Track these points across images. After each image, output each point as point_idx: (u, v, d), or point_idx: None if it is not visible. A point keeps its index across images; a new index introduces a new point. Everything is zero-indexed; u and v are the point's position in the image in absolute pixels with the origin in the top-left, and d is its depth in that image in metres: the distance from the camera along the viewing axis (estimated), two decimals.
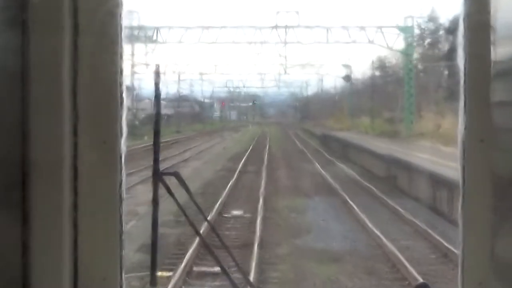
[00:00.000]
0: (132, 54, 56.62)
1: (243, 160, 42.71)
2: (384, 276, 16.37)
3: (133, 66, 58.70)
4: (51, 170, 2.66)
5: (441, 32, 60.45)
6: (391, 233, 20.13)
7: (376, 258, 17.73)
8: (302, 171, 37.12)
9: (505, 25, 2.76)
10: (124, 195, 2.77)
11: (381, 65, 73.22)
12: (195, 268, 16.24)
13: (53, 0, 2.67)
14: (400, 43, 53.12)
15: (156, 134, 3.18)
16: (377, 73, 75.12)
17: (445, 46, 56.98)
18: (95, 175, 2.73)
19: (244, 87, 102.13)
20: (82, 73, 2.72)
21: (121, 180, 2.76)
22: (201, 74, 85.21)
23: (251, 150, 53.27)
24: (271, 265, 17.06)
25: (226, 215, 23.41)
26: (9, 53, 2.63)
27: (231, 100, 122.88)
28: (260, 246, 18.35)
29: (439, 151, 32.43)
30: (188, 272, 15.90)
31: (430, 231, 19.83)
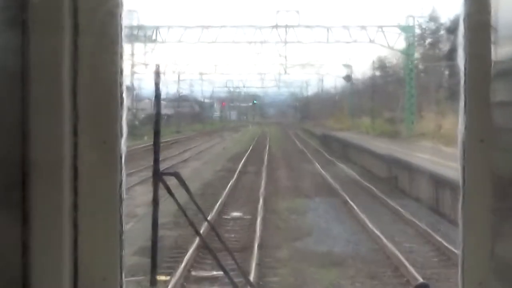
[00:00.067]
0: (132, 54, 56.64)
1: (243, 161, 42.67)
2: (387, 281, 16.10)
3: (132, 66, 58.70)
4: (51, 170, 2.66)
5: (442, 32, 60.51)
6: (394, 235, 19.91)
7: (379, 262, 17.46)
8: (302, 172, 37.02)
9: (505, 25, 2.76)
10: (124, 195, 2.77)
11: (382, 65, 73.28)
12: (193, 273, 16.04)
13: (53, 0, 2.67)
14: (401, 43, 53.16)
15: (156, 134, 3.18)
16: (378, 73, 75.20)
17: (445, 46, 57.01)
18: (95, 175, 2.73)
19: (244, 87, 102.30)
20: (82, 73, 2.72)
21: (121, 180, 2.76)
22: (201, 74, 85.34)
23: (251, 150, 53.25)
24: (271, 269, 16.79)
25: (225, 217, 23.19)
26: (9, 53, 2.63)
27: (231, 100, 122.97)
28: (260, 249, 18.09)
29: (440, 152, 32.32)
30: (186, 277, 15.69)
31: (432, 233, 19.61)
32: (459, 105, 2.89)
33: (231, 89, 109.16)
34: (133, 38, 51.02)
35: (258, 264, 16.69)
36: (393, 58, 66.68)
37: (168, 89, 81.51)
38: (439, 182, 24.71)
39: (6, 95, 2.63)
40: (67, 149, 2.69)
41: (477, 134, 2.84)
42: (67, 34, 2.69)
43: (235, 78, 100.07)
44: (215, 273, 15.53)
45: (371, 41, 52.36)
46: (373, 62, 75.60)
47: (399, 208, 23.99)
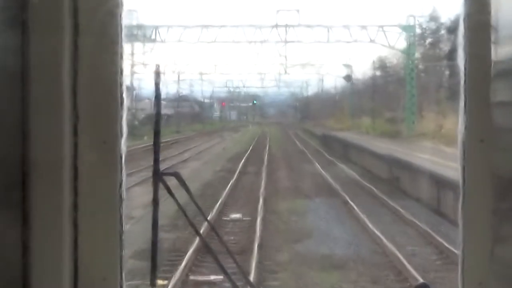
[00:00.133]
0: (132, 54, 56.60)
1: (242, 161, 42.59)
2: (390, 285, 15.91)
3: (132, 65, 58.67)
4: (51, 170, 2.67)
5: (443, 32, 60.52)
6: (396, 238, 19.69)
7: (381, 265, 17.22)
8: (302, 172, 36.92)
9: (505, 25, 2.76)
10: (124, 195, 2.77)
11: (382, 65, 73.26)
12: (191, 277, 15.81)
13: (53, 0, 2.67)
14: (401, 43, 53.12)
15: (156, 134, 3.18)
16: (378, 73, 75.18)
17: (446, 46, 57.04)
18: (95, 175, 2.73)
19: (244, 87, 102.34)
20: (82, 73, 2.72)
21: (121, 180, 2.76)
22: (200, 74, 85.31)
23: (251, 150, 53.19)
24: (271, 273, 16.54)
25: (225, 218, 22.93)
26: (9, 53, 2.63)
27: (231, 100, 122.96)
28: (260, 252, 17.83)
29: (441, 152, 32.11)
30: (183, 281, 15.45)
31: (435, 235, 19.38)
32: (459, 105, 2.90)
33: (231, 89, 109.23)
34: (132, 38, 50.98)
35: (258, 268, 16.43)
36: (394, 58, 66.72)
37: (168, 89, 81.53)
38: (441, 183, 24.52)
39: (6, 95, 2.63)
40: (67, 149, 2.69)
41: (477, 134, 2.84)
42: (67, 34, 2.69)
43: (235, 78, 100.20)
44: (213, 277, 15.29)
45: (371, 40, 52.33)
46: (374, 62, 75.61)
47: (401, 209, 23.81)
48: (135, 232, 16.49)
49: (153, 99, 3.13)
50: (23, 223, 2.64)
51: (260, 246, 18.37)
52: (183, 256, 16.73)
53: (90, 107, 2.73)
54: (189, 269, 16.14)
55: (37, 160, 2.64)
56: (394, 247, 18.07)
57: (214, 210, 22.87)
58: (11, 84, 2.63)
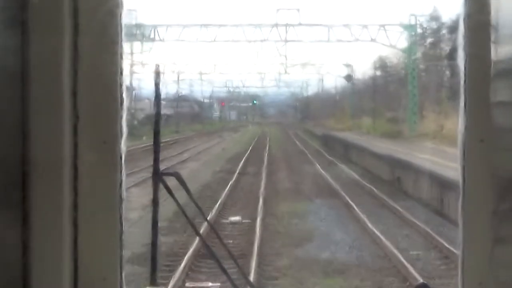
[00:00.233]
0: (131, 53, 56.55)
1: (242, 161, 42.51)
2: None
3: (131, 65, 58.64)
4: (51, 170, 2.67)
5: (443, 31, 60.54)
6: (399, 241, 19.36)
7: (384, 270, 16.86)
8: (302, 173, 36.71)
9: (505, 25, 2.76)
10: (124, 195, 2.78)
11: (382, 64, 73.27)
12: (187, 284, 15.46)
13: (53, 0, 2.67)
14: (402, 42, 53.05)
15: (156, 134, 3.18)
16: (379, 72, 75.18)
17: (447, 46, 57.04)
18: (95, 175, 2.73)
19: (243, 87, 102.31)
20: (82, 73, 2.72)
21: (121, 180, 2.76)
22: (200, 74, 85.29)
23: (250, 150, 53.13)
24: (270, 279, 16.20)
25: (223, 221, 22.54)
26: (9, 53, 2.64)
27: (230, 100, 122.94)
28: (259, 256, 17.41)
29: (443, 152, 31.81)
30: None
31: (439, 238, 19.05)
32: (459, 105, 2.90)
33: (231, 89, 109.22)
34: (132, 37, 50.92)
35: (257, 273, 16.05)
36: (394, 58, 66.73)
37: (168, 89, 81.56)
38: (443, 184, 24.22)
39: (6, 95, 2.63)
40: (67, 149, 2.69)
41: (477, 134, 2.84)
42: (67, 34, 2.69)
43: (235, 78, 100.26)
44: (210, 284, 14.99)
45: (372, 40, 52.24)
46: (374, 61, 75.58)
47: (403, 211, 23.51)
48: (130, 236, 16.30)
49: (153, 99, 3.14)
50: (23, 223, 2.64)
51: (259, 251, 17.97)
52: (180, 261, 16.36)
53: (90, 107, 2.73)
54: (186, 275, 15.79)
55: (37, 160, 2.65)
56: (397, 251, 17.72)
57: (213, 212, 22.47)
58: (11, 84, 2.63)
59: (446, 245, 18.32)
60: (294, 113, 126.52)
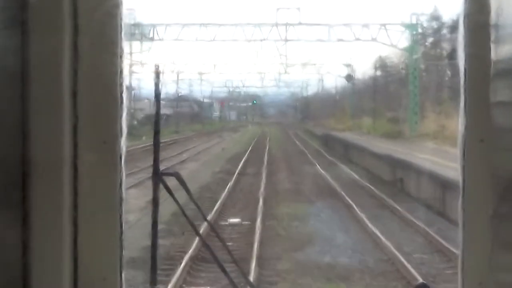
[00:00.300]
0: (130, 53, 56.46)
1: (242, 162, 42.35)
2: None
3: (130, 65, 58.58)
4: (51, 170, 2.67)
5: (444, 31, 60.56)
6: (403, 244, 18.95)
7: (388, 274, 16.44)
8: (303, 174, 36.44)
9: (505, 25, 2.76)
10: (124, 195, 2.78)
11: (383, 64, 73.25)
12: None
13: (53, 0, 2.67)
14: (404, 41, 52.91)
15: (156, 134, 3.18)
16: (379, 72, 75.16)
17: (448, 45, 57.06)
18: (95, 175, 2.73)
19: (243, 86, 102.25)
20: (82, 73, 2.72)
21: (121, 180, 2.76)
22: (200, 73, 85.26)
23: (250, 151, 53.03)
24: (270, 285, 15.79)
25: (222, 223, 22.14)
26: (9, 53, 2.64)
27: (230, 100, 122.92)
28: (259, 260, 16.98)
29: (445, 153, 31.51)
30: None
31: (443, 241, 18.62)
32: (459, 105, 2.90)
33: (231, 89, 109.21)
34: (130, 37, 50.83)
35: (257, 279, 15.66)
36: (395, 57, 66.72)
37: (167, 89, 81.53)
38: (447, 185, 23.87)
39: (6, 95, 2.63)
40: (67, 149, 2.70)
41: (477, 134, 2.84)
42: (67, 34, 2.69)
43: (235, 78, 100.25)
44: None
45: (373, 39, 52.11)
46: (375, 61, 75.56)
47: (406, 213, 23.18)
48: (127, 238, 16.02)
49: (153, 99, 3.14)
50: (23, 223, 2.64)
51: (259, 254, 17.59)
52: (177, 265, 16.01)
53: (90, 107, 2.73)
54: (184, 280, 15.44)
55: (37, 160, 2.65)
56: (400, 255, 17.37)
57: (212, 214, 22.09)
58: (11, 84, 2.64)
59: (450, 248, 17.81)
60: (294, 113, 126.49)
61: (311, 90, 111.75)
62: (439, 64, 56.99)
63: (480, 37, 2.81)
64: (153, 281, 3.22)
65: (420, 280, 14.50)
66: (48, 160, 2.66)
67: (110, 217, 2.75)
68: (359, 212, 23.45)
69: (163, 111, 70.70)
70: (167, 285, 14.48)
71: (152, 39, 53.71)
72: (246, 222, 22.29)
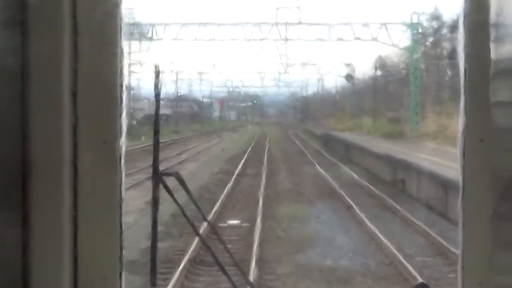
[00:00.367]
0: (129, 52, 56.41)
1: (241, 162, 42.23)
2: None
3: (129, 65, 58.53)
4: (51, 170, 2.67)
5: (444, 31, 60.53)
6: (405, 246, 18.79)
7: (391, 278, 16.25)
8: (303, 174, 36.28)
9: (505, 25, 2.76)
10: (124, 195, 2.78)
11: (383, 64, 73.20)
12: None
13: (53, 0, 2.67)
14: (404, 41, 52.79)
15: (156, 133, 3.19)
16: (379, 72, 75.11)
17: (448, 45, 57.03)
18: (95, 175, 2.73)
19: (243, 86, 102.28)
20: (82, 73, 2.72)
21: (121, 180, 2.76)
22: (199, 73, 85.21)
23: (250, 151, 52.96)
24: None
25: (221, 225, 21.89)
26: (9, 53, 2.64)
27: (230, 100, 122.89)
28: (259, 263, 16.78)
29: (446, 153, 31.37)
30: None
31: (445, 243, 18.44)
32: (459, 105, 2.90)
33: (230, 89, 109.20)
34: (129, 36, 50.70)
35: (257, 282, 15.37)
36: (395, 57, 66.67)
37: (167, 88, 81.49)
38: (448, 185, 23.78)
39: (6, 95, 2.63)
40: (67, 149, 2.70)
41: (477, 134, 2.84)
42: (67, 34, 2.69)
43: (234, 78, 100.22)
44: None
45: (373, 38, 52.01)
46: (375, 61, 75.49)
47: (408, 214, 23.04)
48: (125, 240, 15.76)
49: (152, 99, 3.14)
50: (23, 223, 2.64)
51: (258, 257, 17.37)
52: (175, 269, 15.81)
53: (90, 107, 2.73)
54: (182, 284, 15.24)
55: (37, 160, 2.65)
56: (403, 258, 17.20)
57: (210, 216, 21.84)
58: (11, 84, 2.64)
59: (453, 249, 17.44)
60: (294, 113, 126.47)
61: (311, 90, 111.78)
62: (439, 63, 56.96)
63: (479, 36, 2.81)
64: (153, 282, 3.22)
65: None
66: (48, 160, 2.66)
67: (110, 217, 2.75)
68: (359, 213, 23.32)
69: (163, 111, 70.71)
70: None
71: (151, 38, 53.61)
72: (246, 224, 22.08)
